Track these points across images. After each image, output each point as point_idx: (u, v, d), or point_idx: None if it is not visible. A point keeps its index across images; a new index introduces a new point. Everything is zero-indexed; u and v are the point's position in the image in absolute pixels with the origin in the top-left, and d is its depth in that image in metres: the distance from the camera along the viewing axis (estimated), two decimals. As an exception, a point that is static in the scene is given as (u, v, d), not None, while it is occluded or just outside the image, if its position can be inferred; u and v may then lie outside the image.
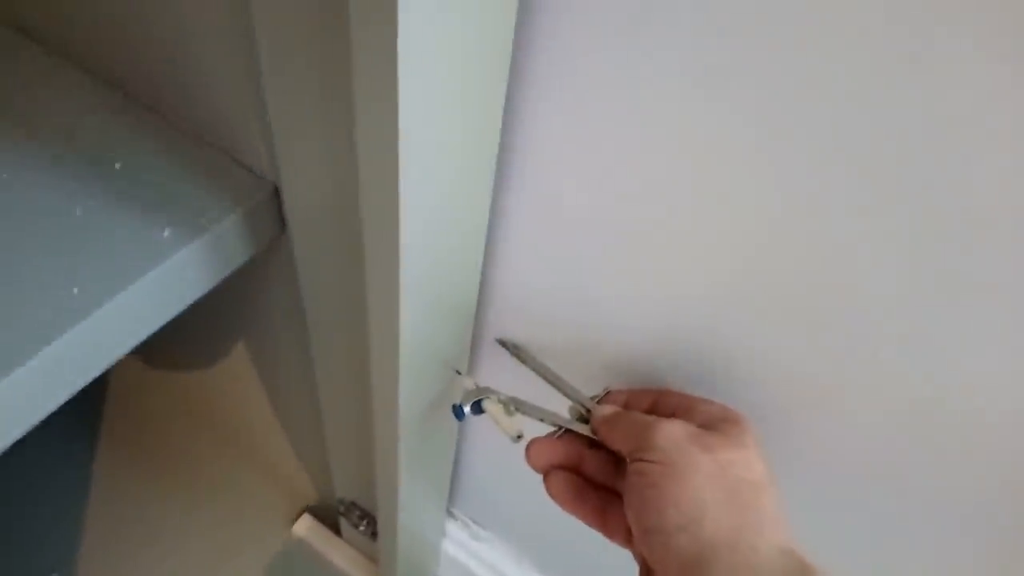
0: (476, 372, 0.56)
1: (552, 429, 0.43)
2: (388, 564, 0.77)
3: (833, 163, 0.31)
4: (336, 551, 0.89)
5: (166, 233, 0.44)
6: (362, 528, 0.81)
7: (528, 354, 0.48)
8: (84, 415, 0.98)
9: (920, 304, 0.33)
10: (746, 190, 0.34)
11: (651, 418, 0.38)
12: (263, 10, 0.35)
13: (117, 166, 0.47)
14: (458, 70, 0.32)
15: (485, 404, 0.44)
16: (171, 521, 0.92)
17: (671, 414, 0.39)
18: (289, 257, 0.50)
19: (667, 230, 0.38)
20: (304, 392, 0.68)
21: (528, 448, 0.42)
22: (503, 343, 0.50)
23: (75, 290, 0.41)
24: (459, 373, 0.51)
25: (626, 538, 0.39)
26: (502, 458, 0.66)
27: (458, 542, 0.80)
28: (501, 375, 0.52)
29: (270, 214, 0.48)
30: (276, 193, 0.47)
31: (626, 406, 0.42)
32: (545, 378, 0.46)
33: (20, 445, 0.41)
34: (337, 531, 0.90)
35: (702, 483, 0.34)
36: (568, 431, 0.42)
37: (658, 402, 0.41)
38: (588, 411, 0.43)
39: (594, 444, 0.42)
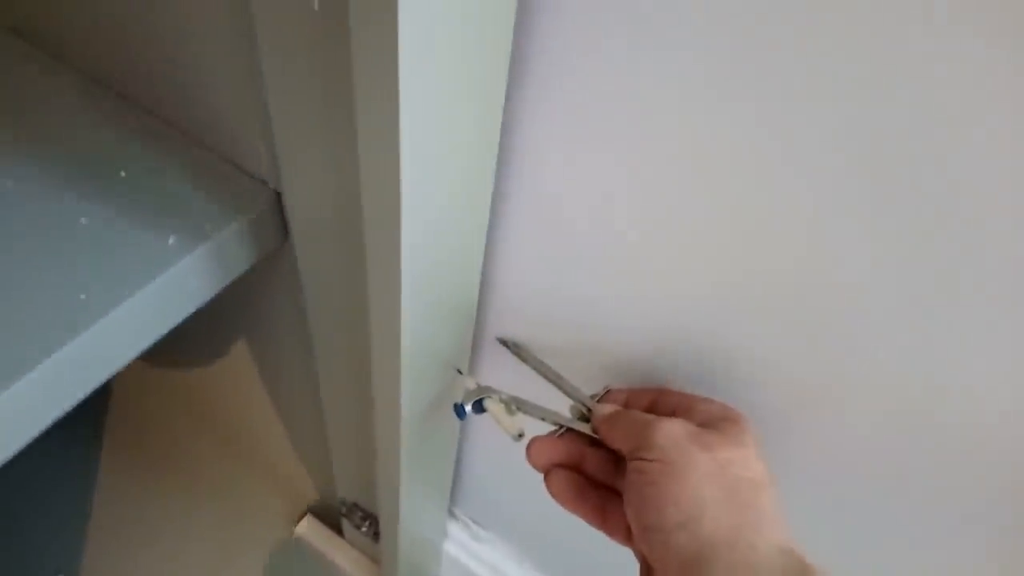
0: (477, 371, 0.55)
1: (553, 428, 0.43)
2: (390, 564, 0.77)
3: (833, 165, 0.31)
4: (338, 552, 0.89)
5: (171, 240, 0.44)
6: (364, 529, 0.81)
7: (529, 353, 0.48)
8: (87, 417, 0.98)
9: (919, 305, 0.33)
10: (746, 190, 0.34)
11: (651, 417, 0.38)
12: (265, 18, 0.35)
13: (122, 174, 0.47)
14: (458, 75, 0.32)
15: (486, 403, 0.44)
16: (174, 521, 0.92)
17: (671, 413, 0.39)
18: (291, 262, 0.50)
19: (667, 230, 0.38)
20: (306, 393, 0.68)
21: (529, 447, 0.41)
22: (504, 342, 0.50)
23: (82, 297, 0.41)
24: (460, 372, 0.51)
25: (626, 536, 0.39)
26: (503, 459, 0.66)
27: (459, 543, 0.80)
28: (502, 374, 0.52)
29: (273, 221, 0.48)
30: (279, 200, 0.47)
31: (626, 405, 0.42)
32: (546, 377, 0.46)
33: (23, 448, 0.41)
34: (339, 532, 0.90)
35: (701, 481, 0.34)
36: (569, 430, 0.42)
37: (658, 401, 0.41)
38: (588, 410, 0.43)
39: (595, 443, 0.42)
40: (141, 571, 0.88)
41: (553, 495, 0.41)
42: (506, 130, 0.38)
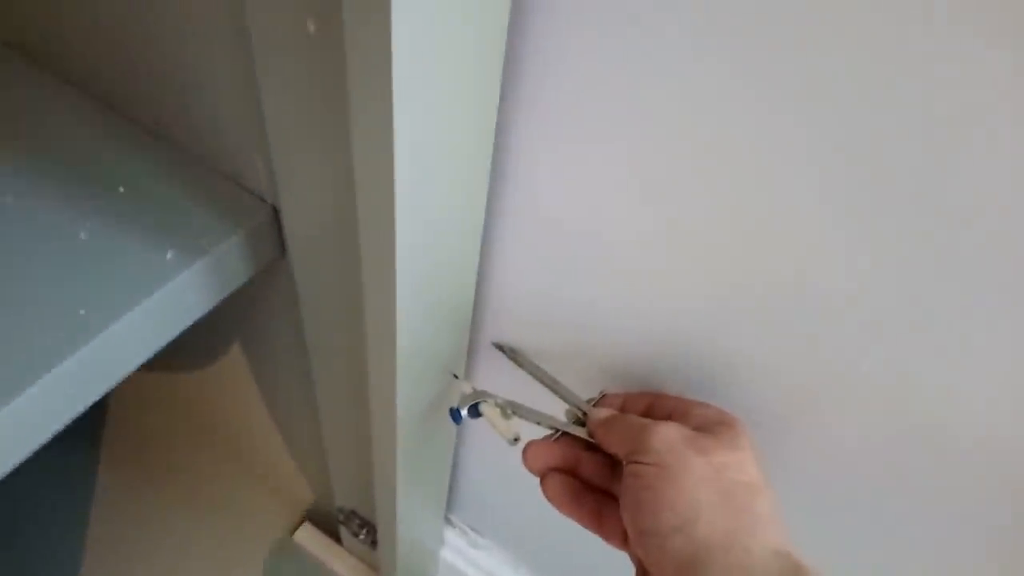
0: (473, 375, 0.55)
1: (548, 432, 0.42)
2: (388, 571, 0.76)
3: (833, 170, 0.31)
4: (336, 559, 0.89)
5: (169, 255, 0.44)
6: (362, 536, 0.80)
7: (524, 357, 0.48)
8: (85, 429, 0.98)
9: (918, 308, 0.33)
10: (743, 194, 0.34)
11: (647, 421, 0.38)
12: (261, 40, 0.35)
13: (120, 189, 0.48)
14: (452, 90, 0.32)
15: (482, 407, 0.44)
16: (173, 531, 0.91)
17: (667, 417, 0.39)
18: (288, 274, 0.50)
19: (663, 234, 0.38)
20: (303, 402, 0.68)
21: (525, 451, 0.41)
22: (500, 347, 0.49)
23: (82, 312, 0.41)
24: (456, 377, 0.51)
25: (622, 540, 0.38)
26: (499, 465, 0.66)
27: (456, 549, 0.80)
28: (498, 378, 0.52)
29: (270, 235, 0.48)
30: (276, 214, 0.48)
31: (622, 409, 0.42)
32: (541, 381, 0.46)
33: (23, 461, 0.41)
34: (337, 539, 0.90)
35: (697, 485, 0.34)
36: (565, 434, 0.42)
37: (654, 405, 0.41)
38: (584, 414, 0.42)
39: (590, 447, 0.41)
40: (142, 582, 0.87)
41: (549, 499, 0.40)
42: (500, 131, 0.38)
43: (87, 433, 0.97)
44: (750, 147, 0.32)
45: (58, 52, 0.53)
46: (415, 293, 0.39)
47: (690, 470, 0.34)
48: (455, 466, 0.69)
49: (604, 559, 0.42)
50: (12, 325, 0.40)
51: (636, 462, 0.36)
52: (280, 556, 0.90)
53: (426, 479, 0.64)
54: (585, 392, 0.44)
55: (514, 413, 0.43)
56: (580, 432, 0.42)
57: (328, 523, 0.89)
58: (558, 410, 0.43)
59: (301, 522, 0.92)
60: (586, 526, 0.40)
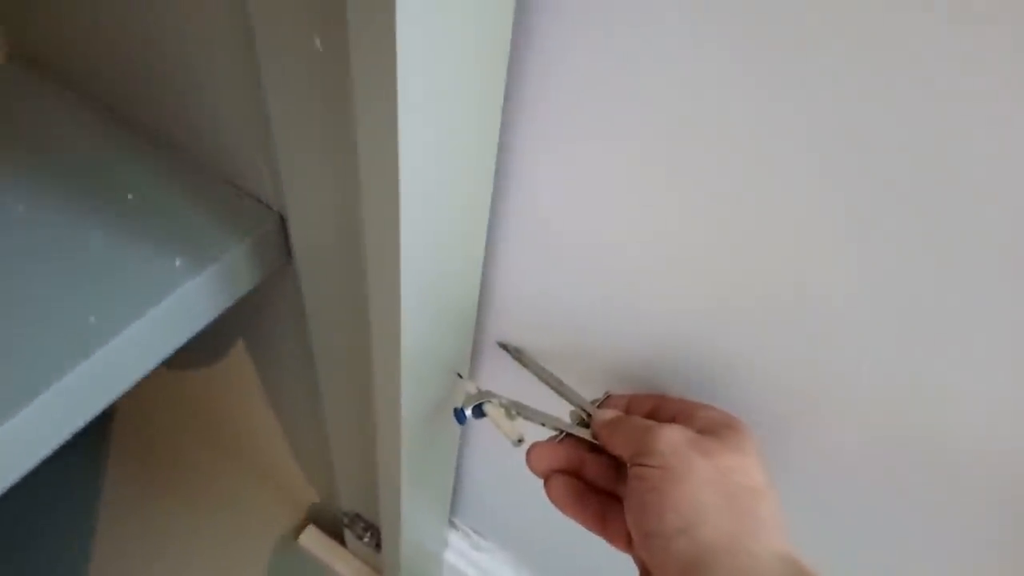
0: (477, 375, 0.55)
1: (553, 433, 0.42)
2: (392, 574, 0.76)
3: (834, 173, 0.30)
4: (340, 561, 0.89)
5: (177, 263, 0.44)
6: (366, 539, 0.81)
7: (529, 358, 0.48)
8: (92, 431, 0.97)
9: (919, 313, 0.32)
10: (745, 196, 0.33)
11: (652, 423, 0.37)
12: (269, 56, 0.35)
13: (129, 197, 0.48)
14: (456, 94, 0.32)
15: (486, 408, 0.43)
16: (179, 532, 0.91)
17: (671, 419, 0.39)
18: (294, 279, 0.50)
19: (665, 236, 0.38)
20: (308, 405, 0.68)
21: (529, 452, 0.41)
22: (504, 347, 0.49)
23: (92, 319, 0.41)
24: (460, 376, 0.50)
25: (626, 542, 0.38)
26: (503, 468, 0.65)
27: (459, 552, 0.80)
28: (502, 378, 0.52)
29: (277, 242, 0.49)
30: (282, 222, 0.48)
31: (627, 411, 0.42)
32: (546, 382, 0.45)
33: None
34: (342, 542, 0.90)
35: (702, 488, 0.33)
36: (569, 435, 0.41)
37: (658, 407, 0.41)
38: (589, 415, 0.42)
39: (595, 448, 0.41)
40: (148, 583, 0.87)
41: (553, 500, 0.40)
42: (503, 131, 0.38)
43: (94, 435, 0.97)
44: (752, 153, 0.32)
45: (68, 64, 0.53)
46: (420, 296, 0.39)
47: (695, 473, 0.34)
48: (458, 469, 0.69)
49: (606, 562, 0.42)
50: (24, 332, 0.40)
51: (641, 464, 0.35)
52: (285, 558, 0.90)
53: (430, 480, 0.64)
54: (589, 393, 0.44)
55: (518, 414, 0.43)
56: (584, 434, 0.41)
57: (333, 525, 0.89)
58: (562, 411, 0.43)
59: (306, 524, 0.92)
60: (590, 528, 0.40)
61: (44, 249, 0.44)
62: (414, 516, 0.64)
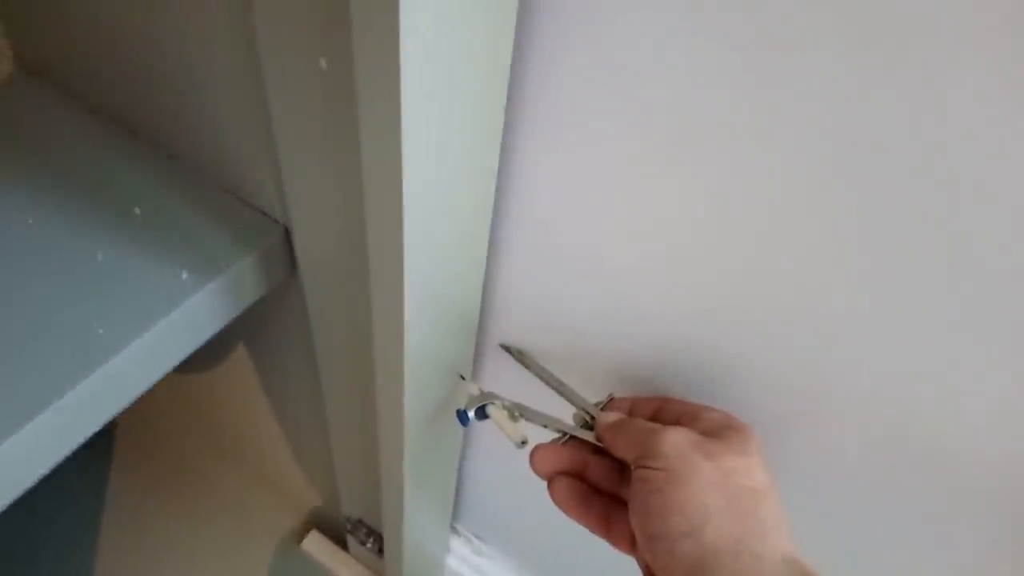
0: (480, 377, 0.54)
1: (556, 435, 0.41)
2: (394, 579, 0.76)
3: (834, 178, 0.30)
4: (343, 566, 0.89)
5: (184, 276, 0.44)
6: (368, 545, 0.80)
7: (532, 360, 0.47)
8: (96, 439, 0.97)
9: (920, 313, 0.32)
10: (748, 198, 0.33)
11: (655, 425, 0.37)
12: (274, 74, 0.35)
13: (136, 211, 0.48)
14: (459, 107, 0.32)
15: (489, 409, 0.43)
16: (182, 538, 0.91)
17: (675, 421, 0.38)
18: (298, 289, 0.51)
19: (669, 237, 0.37)
20: (311, 412, 0.67)
21: (532, 454, 0.40)
22: (507, 348, 0.48)
23: (100, 332, 0.41)
24: (463, 378, 0.50)
25: (630, 545, 0.38)
26: (504, 474, 0.65)
27: (461, 557, 0.80)
28: (505, 380, 0.51)
29: (282, 254, 0.49)
30: (287, 235, 0.48)
31: (630, 413, 0.41)
32: (549, 384, 0.45)
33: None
34: (344, 547, 0.89)
35: (706, 490, 0.33)
36: (572, 437, 0.41)
37: (662, 409, 0.40)
38: (592, 417, 0.41)
39: (598, 450, 0.40)
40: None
41: (556, 503, 0.39)
42: (505, 132, 0.38)
43: (98, 440, 0.97)
44: (752, 148, 0.31)
45: (76, 76, 0.54)
46: (423, 298, 0.39)
47: (699, 475, 0.34)
48: (460, 474, 0.69)
49: (607, 567, 0.41)
50: (33, 344, 0.40)
51: (645, 467, 0.35)
52: (288, 563, 0.90)
53: (432, 483, 0.64)
54: (593, 395, 0.43)
55: (521, 416, 0.42)
56: (588, 436, 0.41)
57: (335, 531, 0.89)
58: (565, 413, 0.43)
59: (308, 529, 0.92)
60: (593, 530, 0.39)
61: (53, 261, 0.45)
62: (416, 519, 0.64)
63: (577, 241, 0.41)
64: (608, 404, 0.43)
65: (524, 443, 0.41)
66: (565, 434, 0.41)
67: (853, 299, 0.33)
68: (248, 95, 0.40)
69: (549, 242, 0.42)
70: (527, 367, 0.47)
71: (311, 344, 0.55)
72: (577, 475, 0.40)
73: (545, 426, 0.42)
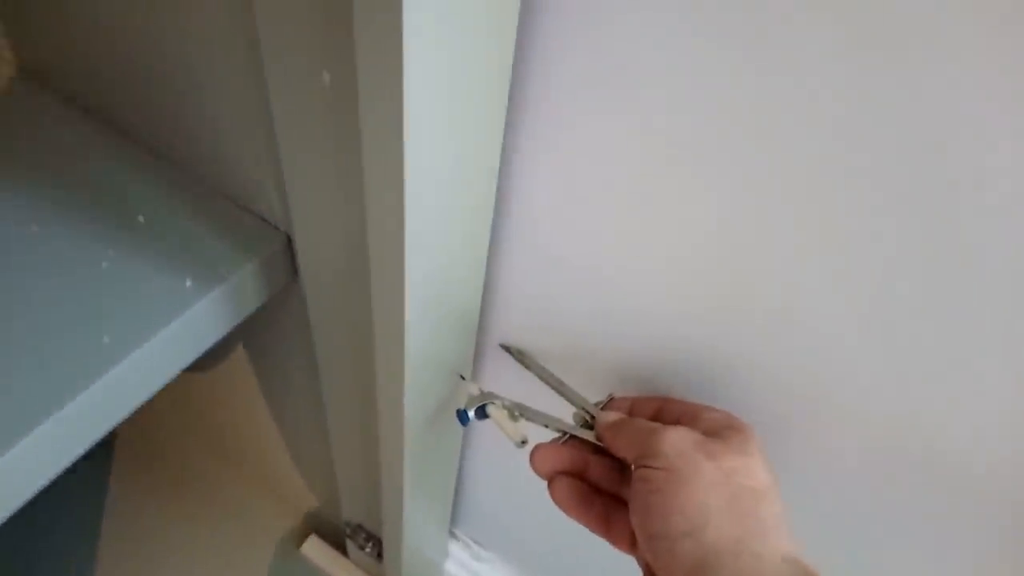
0: (480, 377, 0.54)
1: (556, 435, 0.41)
2: (392, 583, 0.75)
3: (834, 179, 0.30)
4: (342, 571, 0.89)
5: (188, 283, 0.44)
6: (368, 549, 0.80)
7: (532, 359, 0.47)
8: (96, 444, 0.97)
9: (920, 315, 0.32)
10: (749, 199, 0.33)
11: (656, 425, 0.37)
12: (278, 88, 0.36)
13: (140, 219, 0.48)
14: (462, 114, 0.32)
15: (489, 409, 0.42)
16: (181, 538, 0.91)
17: (675, 421, 0.38)
18: (300, 297, 0.50)
19: (670, 238, 0.37)
20: (312, 417, 0.67)
21: (532, 454, 0.40)
22: (507, 348, 0.48)
23: (105, 339, 0.41)
24: (463, 378, 0.50)
25: (630, 545, 0.37)
26: (503, 479, 0.65)
27: (460, 562, 0.79)
28: (505, 380, 0.51)
29: (283, 261, 0.49)
30: (289, 242, 0.48)
31: (630, 413, 0.41)
32: (549, 384, 0.45)
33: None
34: (343, 552, 0.89)
35: (707, 490, 0.33)
36: (572, 437, 0.41)
37: (662, 409, 0.40)
38: (592, 417, 0.41)
39: (599, 450, 0.40)
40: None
41: (557, 502, 0.39)
42: (506, 132, 0.38)
43: (98, 445, 0.96)
44: (752, 148, 0.31)
45: (79, 83, 0.54)
46: (423, 298, 0.39)
47: (700, 474, 0.33)
48: (459, 481, 0.69)
49: (608, 571, 0.41)
50: (39, 352, 0.40)
51: (645, 466, 0.35)
52: (287, 567, 0.90)
53: (432, 484, 0.64)
54: (593, 395, 0.43)
55: (521, 415, 0.42)
56: (588, 435, 0.40)
57: (335, 536, 0.89)
58: (565, 413, 0.42)
59: (308, 534, 0.91)
60: (594, 530, 0.39)
61: (57, 269, 0.44)
62: (416, 522, 0.64)
63: (577, 241, 0.41)
64: (608, 404, 0.42)
65: (524, 443, 0.41)
66: (565, 434, 0.41)
67: (853, 299, 0.33)
68: (250, 100, 0.40)
69: (549, 242, 0.42)
70: (527, 367, 0.46)
71: (311, 348, 0.54)
72: (577, 475, 0.40)
73: (545, 426, 0.41)
